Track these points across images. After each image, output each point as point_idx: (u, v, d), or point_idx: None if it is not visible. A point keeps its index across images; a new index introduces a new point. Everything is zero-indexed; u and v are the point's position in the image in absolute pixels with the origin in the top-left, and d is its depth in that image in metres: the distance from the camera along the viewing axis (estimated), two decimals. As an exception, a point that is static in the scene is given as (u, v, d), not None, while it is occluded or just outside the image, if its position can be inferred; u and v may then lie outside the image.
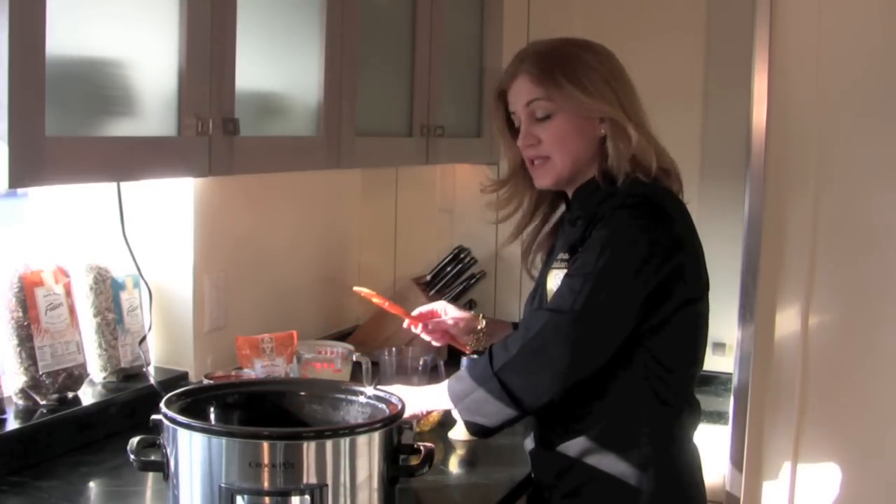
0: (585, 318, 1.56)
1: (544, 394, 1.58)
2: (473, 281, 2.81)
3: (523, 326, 1.64)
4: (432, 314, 1.97)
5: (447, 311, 1.97)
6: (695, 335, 1.70)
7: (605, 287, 1.56)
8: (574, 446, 1.66)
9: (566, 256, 1.68)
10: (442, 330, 1.97)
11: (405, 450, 1.50)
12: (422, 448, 1.51)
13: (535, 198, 1.82)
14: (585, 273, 1.57)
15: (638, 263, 1.57)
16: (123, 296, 2.06)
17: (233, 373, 2.03)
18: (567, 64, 1.67)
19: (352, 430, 1.43)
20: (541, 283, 1.74)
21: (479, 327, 1.95)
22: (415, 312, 1.98)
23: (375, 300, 2.03)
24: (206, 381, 1.90)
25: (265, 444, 1.36)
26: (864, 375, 2.54)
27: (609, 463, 1.63)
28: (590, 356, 1.58)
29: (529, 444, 1.79)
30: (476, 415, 1.62)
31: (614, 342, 1.59)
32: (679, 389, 1.68)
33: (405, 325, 2.00)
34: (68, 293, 1.92)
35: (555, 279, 1.66)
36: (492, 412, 1.60)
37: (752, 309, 2.45)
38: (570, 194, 1.76)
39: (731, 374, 2.48)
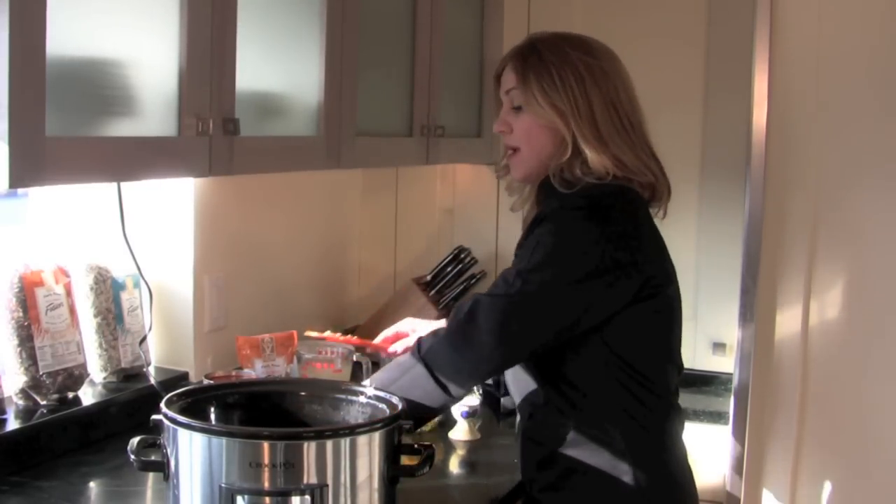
0: (515, 303, 1.55)
1: (470, 377, 1.61)
2: (474, 281, 2.81)
3: (453, 312, 1.63)
4: (398, 336, 1.91)
5: (415, 329, 1.90)
6: (656, 329, 1.66)
7: (537, 279, 1.55)
8: (552, 439, 1.65)
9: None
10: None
11: (405, 450, 1.50)
12: (422, 448, 1.51)
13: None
14: (519, 268, 1.58)
15: (573, 261, 1.56)
16: (124, 296, 2.06)
17: (233, 373, 2.03)
18: (543, 64, 1.66)
19: (352, 430, 1.43)
20: None
21: None
22: (379, 338, 1.93)
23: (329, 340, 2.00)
24: (206, 382, 1.91)
25: (265, 444, 1.36)
26: (864, 375, 2.54)
27: (586, 456, 1.62)
28: (516, 344, 1.58)
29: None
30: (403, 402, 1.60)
31: (544, 333, 1.58)
32: (655, 386, 1.65)
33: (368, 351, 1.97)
34: (68, 293, 1.92)
35: None
36: (419, 396, 1.59)
37: (752, 309, 2.45)
38: None
39: (731, 374, 2.48)
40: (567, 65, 1.66)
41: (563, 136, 1.65)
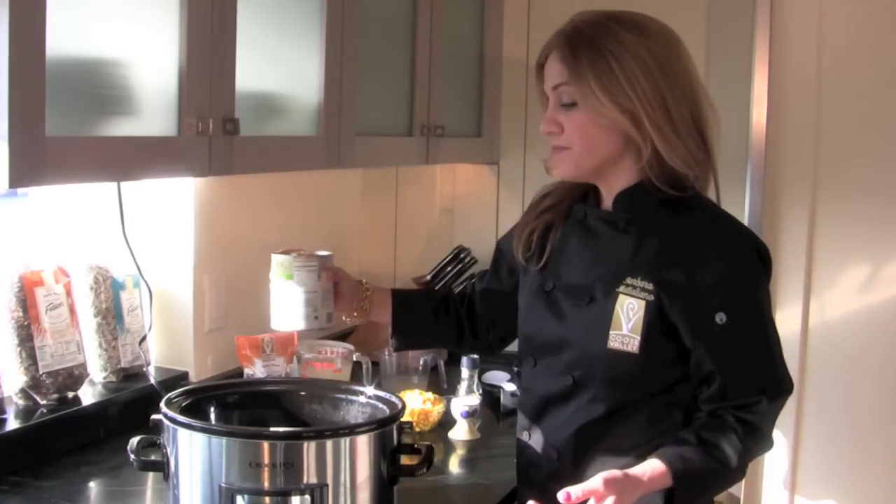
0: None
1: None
2: (473, 281, 2.80)
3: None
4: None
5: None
6: None
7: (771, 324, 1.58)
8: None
9: (647, 285, 1.49)
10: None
11: (405, 450, 1.50)
12: (422, 448, 1.51)
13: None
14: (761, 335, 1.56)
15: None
16: (123, 296, 2.06)
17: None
18: (599, 51, 1.46)
19: (352, 430, 1.44)
20: (599, 300, 1.53)
21: (364, 294, 1.84)
22: None
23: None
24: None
25: (265, 444, 1.36)
26: (863, 375, 2.54)
27: None
28: None
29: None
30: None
31: None
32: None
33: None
34: (68, 293, 1.92)
35: (627, 305, 1.50)
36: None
37: (752, 309, 2.44)
38: (603, 189, 1.58)
39: (731, 374, 2.47)
40: (628, 53, 1.45)
41: (628, 137, 1.48)
